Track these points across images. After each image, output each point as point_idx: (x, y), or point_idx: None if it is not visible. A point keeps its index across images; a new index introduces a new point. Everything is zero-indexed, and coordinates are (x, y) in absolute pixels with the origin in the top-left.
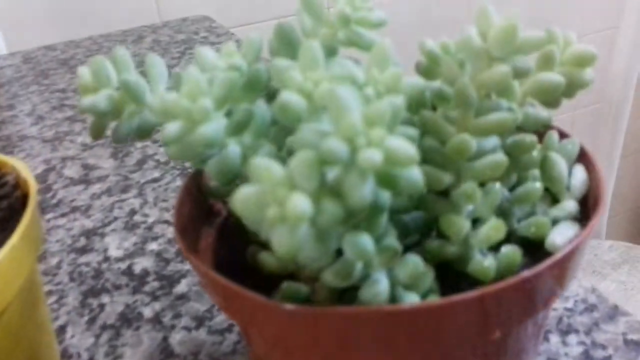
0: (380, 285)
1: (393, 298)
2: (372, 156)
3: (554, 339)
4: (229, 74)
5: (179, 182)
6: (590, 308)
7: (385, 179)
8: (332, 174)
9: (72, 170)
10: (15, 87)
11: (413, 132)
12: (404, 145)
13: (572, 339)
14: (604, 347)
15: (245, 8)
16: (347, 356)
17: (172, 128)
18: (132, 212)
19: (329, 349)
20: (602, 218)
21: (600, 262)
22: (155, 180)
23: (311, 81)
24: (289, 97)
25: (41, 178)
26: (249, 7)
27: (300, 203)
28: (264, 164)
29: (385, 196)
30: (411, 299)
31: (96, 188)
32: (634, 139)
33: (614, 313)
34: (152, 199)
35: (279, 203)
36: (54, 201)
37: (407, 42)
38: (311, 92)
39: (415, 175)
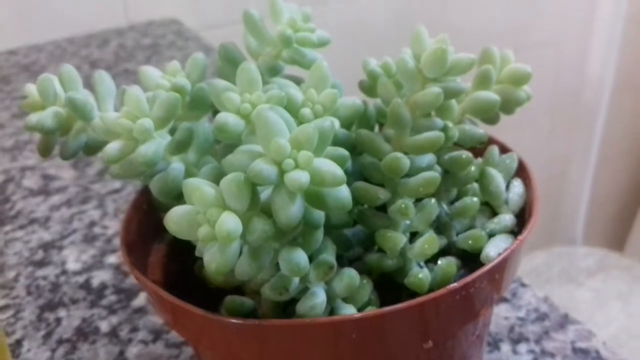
0: (317, 298)
1: (332, 311)
2: (299, 177)
3: (505, 347)
4: (169, 94)
5: None
6: (542, 317)
7: (315, 198)
8: (265, 193)
9: (31, 181)
10: None
11: (343, 152)
12: (331, 166)
13: (522, 347)
14: (552, 355)
15: (216, 9)
16: None
17: (112, 147)
18: (92, 224)
19: None
20: (577, 224)
21: (575, 270)
22: (116, 191)
23: (249, 102)
24: (227, 118)
25: (0, 189)
26: (220, 7)
27: (230, 223)
28: (196, 185)
29: (319, 214)
30: (348, 312)
31: (56, 199)
32: (612, 144)
33: (564, 322)
34: (112, 210)
35: (210, 223)
36: (13, 213)
37: (383, 42)
38: (249, 113)
39: (342, 194)
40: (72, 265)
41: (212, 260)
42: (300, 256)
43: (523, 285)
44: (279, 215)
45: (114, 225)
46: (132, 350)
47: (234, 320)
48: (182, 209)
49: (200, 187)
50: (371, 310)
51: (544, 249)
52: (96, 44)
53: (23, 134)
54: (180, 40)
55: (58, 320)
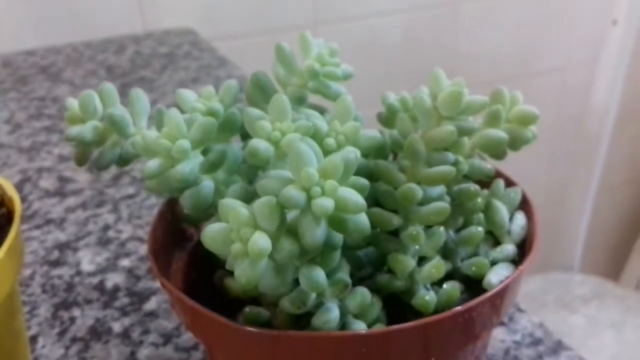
0: (331, 313)
1: (344, 326)
2: (325, 204)
3: None
4: (206, 119)
5: (154, 200)
6: (536, 342)
7: (337, 223)
8: (290, 216)
9: (47, 182)
10: None
11: (364, 182)
12: (353, 195)
13: None
14: None
15: (231, 20)
16: None
17: (152, 165)
18: (106, 228)
19: None
20: (575, 252)
21: (571, 296)
22: (130, 196)
23: (279, 131)
24: (258, 144)
25: (17, 188)
26: (235, 19)
27: (261, 241)
28: (232, 206)
29: (338, 236)
30: (359, 327)
31: (71, 201)
32: (613, 175)
33: (558, 347)
34: (127, 215)
35: (242, 240)
36: (29, 212)
37: (393, 63)
38: (278, 141)
39: (362, 220)
40: (87, 267)
41: (243, 274)
42: (319, 274)
43: (520, 310)
44: (305, 236)
45: (127, 230)
46: (143, 352)
47: (253, 329)
48: (217, 226)
49: (235, 207)
50: (380, 328)
51: (540, 274)
52: (113, 50)
53: (40, 135)
54: (196, 51)
55: (72, 319)
